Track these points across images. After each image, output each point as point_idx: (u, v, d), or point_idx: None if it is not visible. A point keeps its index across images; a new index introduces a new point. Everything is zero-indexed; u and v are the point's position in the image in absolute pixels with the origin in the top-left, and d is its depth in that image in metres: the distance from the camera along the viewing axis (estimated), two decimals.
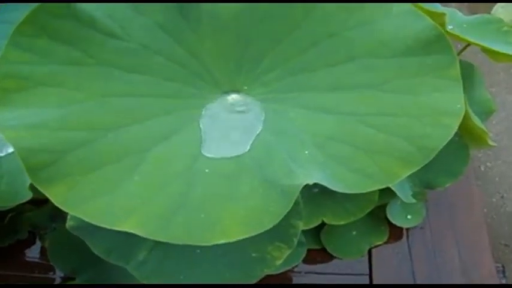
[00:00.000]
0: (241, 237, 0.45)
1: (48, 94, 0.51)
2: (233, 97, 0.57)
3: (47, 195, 0.46)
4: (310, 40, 0.58)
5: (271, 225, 0.46)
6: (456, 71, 0.56)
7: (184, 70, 0.57)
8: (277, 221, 0.46)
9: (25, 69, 0.52)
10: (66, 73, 0.52)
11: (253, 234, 0.45)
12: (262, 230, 0.46)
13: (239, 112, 0.56)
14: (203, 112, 0.55)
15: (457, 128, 0.53)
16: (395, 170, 0.51)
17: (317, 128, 0.54)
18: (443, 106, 0.54)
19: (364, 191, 0.50)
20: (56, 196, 0.46)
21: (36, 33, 0.52)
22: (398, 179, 0.51)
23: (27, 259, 0.93)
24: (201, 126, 0.54)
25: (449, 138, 0.52)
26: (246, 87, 0.58)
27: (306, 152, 0.52)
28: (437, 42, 0.57)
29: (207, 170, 0.50)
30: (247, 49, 0.59)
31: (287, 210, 0.46)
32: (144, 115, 0.53)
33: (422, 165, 0.52)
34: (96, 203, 0.47)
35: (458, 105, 0.54)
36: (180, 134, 0.53)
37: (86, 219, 0.46)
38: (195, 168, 0.50)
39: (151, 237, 0.45)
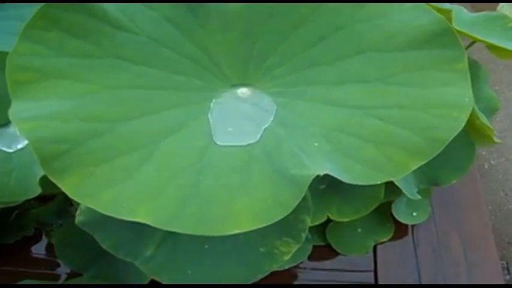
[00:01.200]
0: (253, 228, 0.45)
1: (60, 86, 0.51)
2: (242, 91, 0.58)
3: (60, 186, 0.46)
4: (317, 34, 0.59)
5: (282, 216, 0.46)
6: (464, 64, 0.56)
7: (193, 64, 0.57)
8: (289, 211, 0.46)
9: (37, 62, 0.52)
10: (77, 65, 0.53)
11: (264, 224, 0.45)
12: (273, 221, 0.46)
13: (248, 105, 0.56)
14: (212, 105, 0.55)
15: (465, 121, 0.52)
16: (404, 162, 0.51)
17: (326, 121, 0.54)
18: (452, 99, 0.54)
19: (374, 183, 0.50)
20: (68, 187, 0.46)
21: (47, 26, 0.53)
22: (408, 171, 0.51)
23: (34, 255, 0.93)
24: (210, 119, 0.54)
25: (459, 130, 0.52)
26: (254, 81, 0.58)
27: (315, 144, 0.52)
28: (445, 36, 0.57)
29: (217, 161, 0.50)
30: (255, 44, 0.59)
31: (298, 201, 0.46)
32: (154, 107, 0.53)
33: (430, 158, 0.52)
34: (108, 193, 0.47)
35: (466, 99, 0.54)
36: (190, 126, 0.53)
37: (98, 210, 0.46)
38: (206, 160, 0.50)
39: (163, 228, 0.45)
